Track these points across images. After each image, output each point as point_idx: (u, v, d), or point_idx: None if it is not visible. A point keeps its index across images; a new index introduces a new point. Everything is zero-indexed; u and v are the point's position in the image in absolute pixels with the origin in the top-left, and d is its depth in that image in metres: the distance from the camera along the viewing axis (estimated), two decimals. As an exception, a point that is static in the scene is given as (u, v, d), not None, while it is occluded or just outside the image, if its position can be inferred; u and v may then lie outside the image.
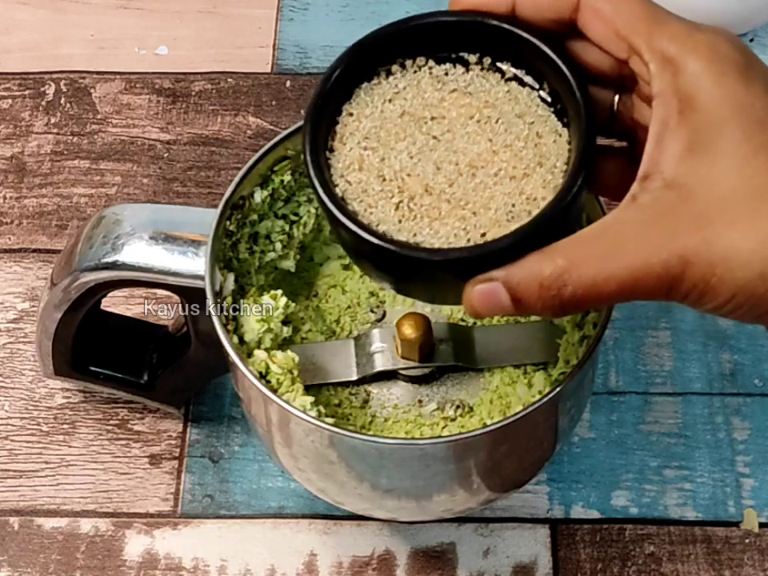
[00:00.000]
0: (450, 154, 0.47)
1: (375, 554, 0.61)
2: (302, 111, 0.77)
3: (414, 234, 0.45)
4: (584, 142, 0.45)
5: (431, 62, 0.49)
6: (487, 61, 0.48)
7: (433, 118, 0.47)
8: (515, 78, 0.48)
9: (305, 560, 0.61)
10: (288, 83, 0.79)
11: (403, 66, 0.49)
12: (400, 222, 0.46)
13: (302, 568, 0.61)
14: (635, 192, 0.43)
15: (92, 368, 0.63)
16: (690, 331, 0.68)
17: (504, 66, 0.48)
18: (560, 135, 0.47)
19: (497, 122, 0.47)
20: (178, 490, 0.63)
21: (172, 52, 0.81)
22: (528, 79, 0.48)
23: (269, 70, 0.80)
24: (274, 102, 0.78)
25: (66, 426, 0.65)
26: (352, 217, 0.46)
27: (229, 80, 0.79)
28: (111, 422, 0.66)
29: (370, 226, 0.46)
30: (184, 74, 0.79)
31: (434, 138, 0.47)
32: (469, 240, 0.45)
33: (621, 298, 0.42)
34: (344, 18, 0.82)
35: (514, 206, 0.45)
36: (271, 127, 0.77)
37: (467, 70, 0.48)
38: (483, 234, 0.45)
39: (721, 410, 0.65)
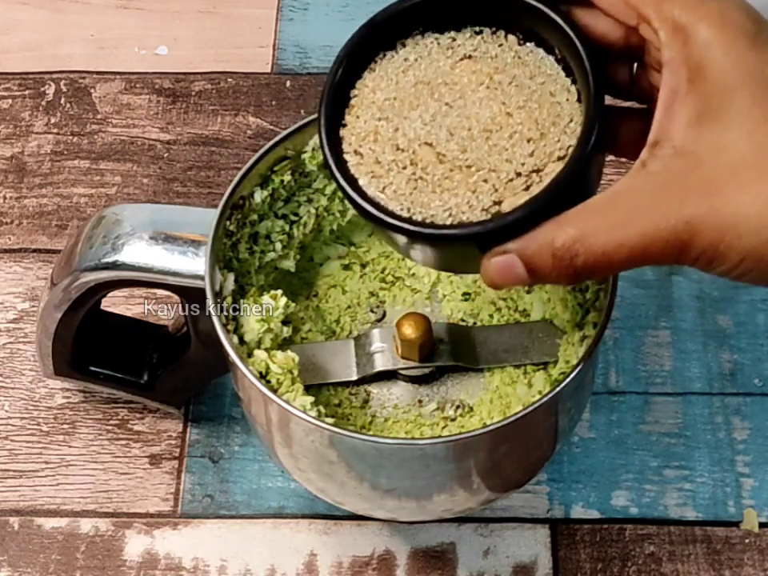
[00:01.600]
0: (463, 120, 0.47)
1: (375, 554, 0.61)
2: (303, 111, 0.77)
3: (426, 207, 0.46)
4: (593, 107, 0.45)
5: (436, 34, 0.49)
6: (501, 33, 0.48)
7: (446, 84, 0.48)
8: (521, 43, 0.48)
9: (305, 560, 0.61)
10: (288, 83, 0.79)
11: (413, 40, 0.49)
12: (412, 194, 0.46)
13: (302, 568, 0.61)
14: (645, 159, 0.43)
15: (92, 368, 0.63)
16: (690, 331, 0.68)
17: (513, 37, 0.48)
18: (571, 93, 0.47)
19: (509, 84, 0.47)
20: (178, 490, 0.63)
21: (172, 52, 0.81)
22: (539, 50, 0.48)
23: (269, 70, 0.80)
24: (273, 102, 0.78)
25: (66, 426, 0.65)
26: (364, 194, 0.46)
27: (229, 80, 0.79)
28: (111, 422, 0.66)
29: (383, 202, 0.46)
30: (184, 73, 0.79)
31: (447, 104, 0.47)
32: (484, 209, 0.45)
33: (632, 264, 0.43)
34: (344, 18, 0.82)
35: (525, 166, 0.46)
36: (271, 127, 0.77)
37: (474, 35, 0.49)
38: (497, 202, 0.45)
39: (721, 410, 0.65)
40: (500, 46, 0.48)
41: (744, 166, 0.42)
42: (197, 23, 0.82)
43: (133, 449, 0.65)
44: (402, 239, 0.47)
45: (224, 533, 0.62)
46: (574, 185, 0.45)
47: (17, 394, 0.67)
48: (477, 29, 0.49)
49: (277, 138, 0.57)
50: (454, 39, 0.49)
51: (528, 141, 0.46)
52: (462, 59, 0.48)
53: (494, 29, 0.49)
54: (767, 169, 0.41)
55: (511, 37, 0.48)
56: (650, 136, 0.43)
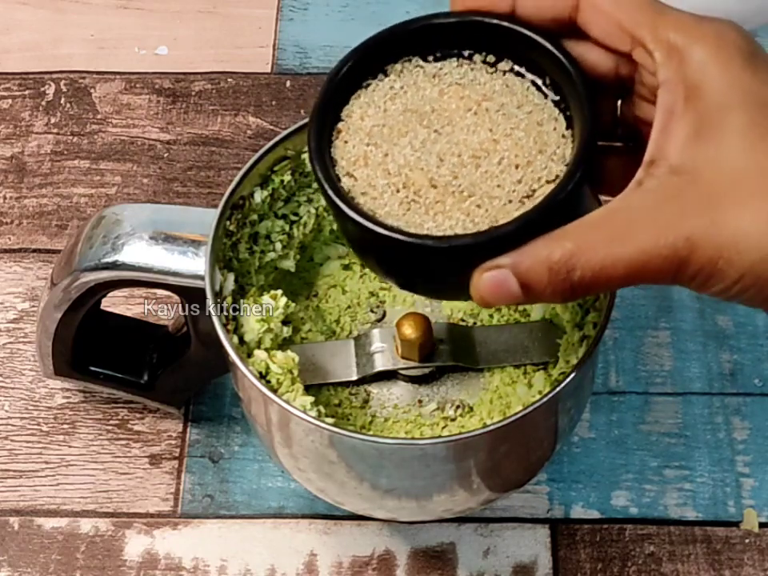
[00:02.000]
0: (452, 146, 0.47)
1: (375, 554, 0.61)
2: (303, 111, 0.77)
3: (419, 227, 0.46)
4: (588, 127, 0.45)
5: (422, 62, 0.49)
6: (491, 59, 0.48)
7: (434, 111, 0.48)
8: (511, 70, 0.48)
9: (305, 560, 0.61)
10: (288, 83, 0.79)
11: (400, 66, 0.49)
12: (405, 215, 0.46)
13: (302, 568, 0.61)
14: (640, 177, 0.43)
15: (92, 368, 0.63)
16: (690, 331, 0.68)
17: (505, 64, 0.48)
18: (558, 122, 0.47)
19: (496, 112, 0.47)
20: (178, 490, 0.63)
21: (172, 52, 0.81)
22: (529, 75, 0.48)
23: (269, 70, 0.80)
24: (273, 102, 0.78)
25: (66, 426, 0.65)
26: (357, 209, 0.46)
27: (229, 80, 0.79)
28: (111, 422, 0.66)
29: (376, 218, 0.46)
30: (184, 74, 0.80)
31: (436, 131, 0.47)
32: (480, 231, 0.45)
33: (629, 281, 0.42)
34: (344, 18, 0.82)
35: (516, 192, 0.46)
36: (271, 127, 0.77)
37: (460, 65, 0.49)
38: (491, 225, 0.45)
39: (721, 410, 0.65)
40: (488, 74, 0.49)
41: (742, 183, 0.41)
42: (197, 23, 0.82)
43: (133, 449, 0.65)
44: (389, 255, 0.46)
45: (224, 533, 0.62)
46: (567, 202, 0.44)
47: (17, 394, 0.67)
48: (466, 53, 0.49)
49: (277, 138, 0.57)
50: (441, 68, 0.49)
51: (516, 167, 0.46)
52: (449, 86, 0.48)
53: (483, 54, 0.49)
54: (763, 187, 0.41)
55: (500, 65, 0.49)
56: (646, 156, 0.43)
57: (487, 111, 0.47)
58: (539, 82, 0.48)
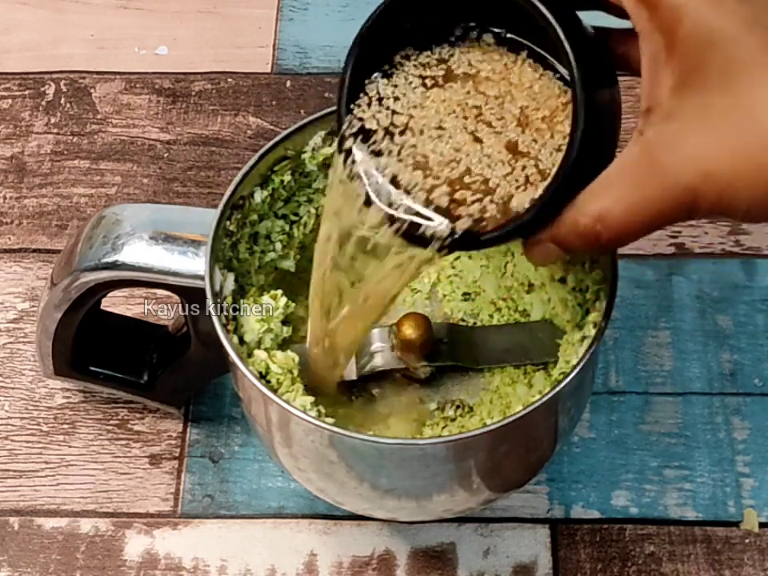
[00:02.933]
0: (437, 150, 0.47)
1: (375, 554, 0.61)
2: (303, 111, 0.77)
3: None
4: (579, 85, 0.45)
5: (416, 52, 0.49)
6: (488, 37, 0.49)
7: (412, 118, 0.48)
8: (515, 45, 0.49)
9: (305, 560, 0.61)
10: (288, 83, 0.79)
11: (403, 59, 0.49)
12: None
13: (302, 568, 0.61)
14: (641, 127, 0.44)
15: (92, 368, 0.63)
16: (690, 331, 0.68)
17: (492, 39, 0.49)
18: (563, 91, 0.47)
19: (485, 105, 0.48)
20: (178, 490, 0.63)
21: (172, 52, 0.81)
22: (522, 52, 0.48)
23: (269, 70, 0.80)
24: (274, 102, 0.78)
25: (66, 426, 0.65)
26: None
27: (229, 80, 0.79)
28: (111, 422, 0.66)
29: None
30: (184, 74, 0.80)
31: (417, 135, 0.48)
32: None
33: (651, 228, 0.45)
34: (344, 18, 0.82)
35: (532, 170, 0.47)
36: (271, 127, 0.77)
37: (466, 50, 0.49)
38: (509, 199, 0.47)
39: (721, 410, 0.65)
40: (482, 53, 0.49)
41: (727, 125, 0.42)
42: (197, 23, 0.82)
43: (133, 449, 0.65)
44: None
45: (224, 533, 0.62)
46: (576, 171, 0.45)
47: (17, 394, 0.67)
48: (458, 33, 0.49)
49: (277, 138, 0.57)
50: (430, 55, 0.49)
51: (520, 152, 0.47)
52: (432, 87, 0.48)
53: (477, 30, 0.49)
54: (747, 125, 0.42)
55: (490, 38, 0.49)
56: (642, 104, 0.44)
57: (473, 109, 0.48)
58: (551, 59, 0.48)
